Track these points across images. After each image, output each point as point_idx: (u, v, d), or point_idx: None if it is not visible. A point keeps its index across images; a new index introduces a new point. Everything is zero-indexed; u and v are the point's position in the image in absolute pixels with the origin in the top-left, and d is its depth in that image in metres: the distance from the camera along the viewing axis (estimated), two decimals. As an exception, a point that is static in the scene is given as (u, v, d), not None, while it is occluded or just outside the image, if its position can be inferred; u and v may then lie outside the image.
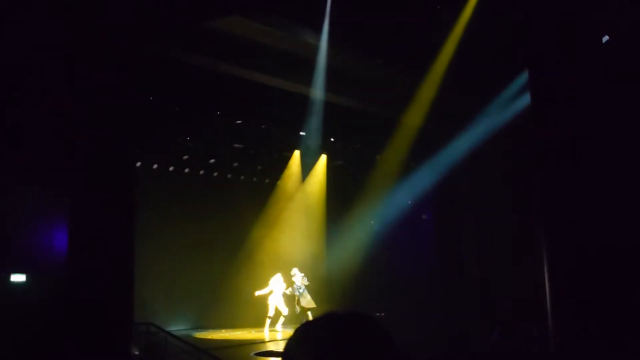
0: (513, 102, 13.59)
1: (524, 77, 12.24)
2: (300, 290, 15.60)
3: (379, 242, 18.06)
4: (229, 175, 17.61)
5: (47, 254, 9.29)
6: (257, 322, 15.96)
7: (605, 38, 8.30)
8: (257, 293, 15.60)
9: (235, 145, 16.61)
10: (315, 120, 15.17)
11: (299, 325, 1.40)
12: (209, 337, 14.75)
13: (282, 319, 15.58)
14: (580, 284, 8.47)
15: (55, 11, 9.13)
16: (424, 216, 18.31)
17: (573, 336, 8.56)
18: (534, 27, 9.28)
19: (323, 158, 18.47)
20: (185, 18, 10.42)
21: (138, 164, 13.29)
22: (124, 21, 9.62)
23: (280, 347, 13.20)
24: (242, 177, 17.91)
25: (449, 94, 14.02)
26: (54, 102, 9.31)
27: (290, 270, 15.94)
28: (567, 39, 8.71)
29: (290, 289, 15.68)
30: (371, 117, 15.35)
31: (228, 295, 16.24)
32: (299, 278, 15.72)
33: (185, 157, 16.21)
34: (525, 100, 11.57)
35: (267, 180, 18.46)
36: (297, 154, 18.10)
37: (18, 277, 8.96)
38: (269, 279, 15.89)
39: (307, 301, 15.51)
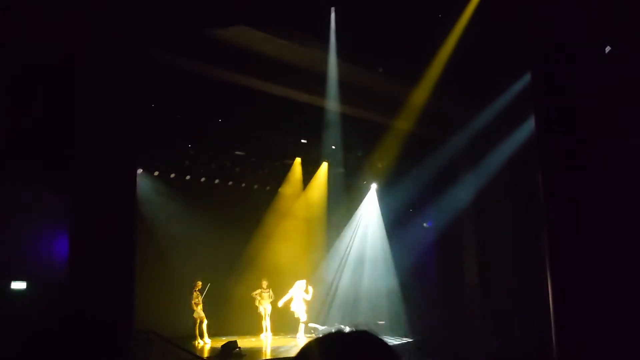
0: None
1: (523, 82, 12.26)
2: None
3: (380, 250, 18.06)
4: (230, 183, 17.60)
5: (47, 261, 9.28)
6: (258, 330, 15.90)
7: (608, 49, 8.29)
8: (280, 303, 15.65)
9: (237, 152, 16.61)
10: (316, 128, 15.17)
11: (305, 344, 1.39)
12: (209, 345, 14.70)
13: (302, 326, 15.56)
14: (582, 293, 8.44)
15: (60, 15, 9.15)
16: (425, 224, 18.27)
17: (575, 344, 8.53)
18: (537, 35, 9.29)
19: (324, 166, 18.47)
20: (188, 26, 10.44)
21: (139, 171, 13.28)
22: (128, 28, 9.64)
23: (280, 354, 13.15)
24: (243, 185, 17.90)
25: (450, 102, 14.05)
26: (56, 108, 9.33)
27: (297, 279, 15.98)
28: (570, 46, 8.71)
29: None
30: (372, 125, 15.35)
31: (228, 302, 16.19)
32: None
33: (187, 163, 16.19)
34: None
35: (268, 188, 18.45)
36: (298, 161, 18.09)
37: (18, 285, 8.95)
38: (270, 286, 15.91)
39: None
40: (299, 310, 15.57)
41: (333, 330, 1.39)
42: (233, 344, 12.98)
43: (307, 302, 15.71)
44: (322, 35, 11.81)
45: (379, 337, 1.35)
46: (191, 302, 14.53)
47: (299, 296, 15.62)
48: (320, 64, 12.39)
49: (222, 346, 13.18)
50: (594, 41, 8.50)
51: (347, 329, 1.42)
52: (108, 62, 9.58)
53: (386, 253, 17.87)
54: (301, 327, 15.57)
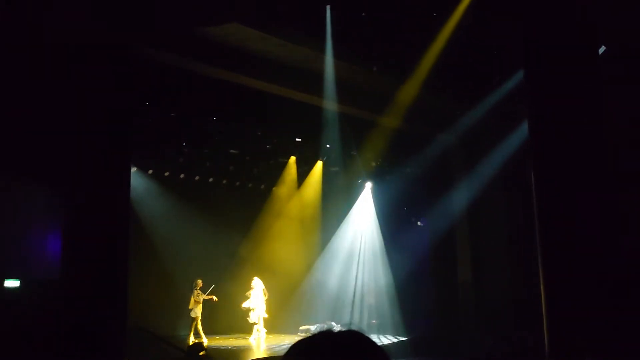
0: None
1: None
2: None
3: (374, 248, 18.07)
4: (224, 181, 17.57)
5: (41, 259, 9.26)
6: (251, 328, 15.90)
7: (602, 49, 8.31)
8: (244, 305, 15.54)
9: (231, 151, 16.58)
10: (311, 127, 15.17)
11: (294, 342, 1.40)
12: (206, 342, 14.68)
13: (254, 328, 15.48)
14: (575, 290, 8.48)
15: (54, 14, 9.12)
16: (419, 222, 18.30)
17: (567, 342, 8.56)
18: (531, 33, 9.30)
19: (319, 164, 18.46)
20: (182, 24, 10.41)
21: (133, 169, 13.25)
22: (122, 27, 9.61)
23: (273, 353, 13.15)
24: (238, 183, 17.88)
25: (445, 100, 14.07)
26: (51, 107, 9.30)
27: (291, 278, 15.92)
28: (564, 45, 8.73)
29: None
30: (367, 124, 15.35)
31: (223, 301, 16.18)
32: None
33: (181, 161, 16.15)
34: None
35: (262, 186, 18.44)
36: (293, 160, 18.09)
37: (12, 283, 8.92)
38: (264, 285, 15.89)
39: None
40: (256, 310, 15.26)
41: (323, 329, 1.40)
42: (199, 346, 12.88)
43: (265, 302, 15.42)
44: (317, 33, 11.79)
45: (368, 336, 1.35)
46: (192, 300, 14.47)
47: (256, 294, 15.35)
48: (316, 62, 12.37)
49: (188, 347, 13.14)
50: (587, 41, 8.52)
51: (337, 328, 1.43)
52: (103, 59, 9.56)
53: (380, 252, 17.88)
54: (254, 328, 15.29)
